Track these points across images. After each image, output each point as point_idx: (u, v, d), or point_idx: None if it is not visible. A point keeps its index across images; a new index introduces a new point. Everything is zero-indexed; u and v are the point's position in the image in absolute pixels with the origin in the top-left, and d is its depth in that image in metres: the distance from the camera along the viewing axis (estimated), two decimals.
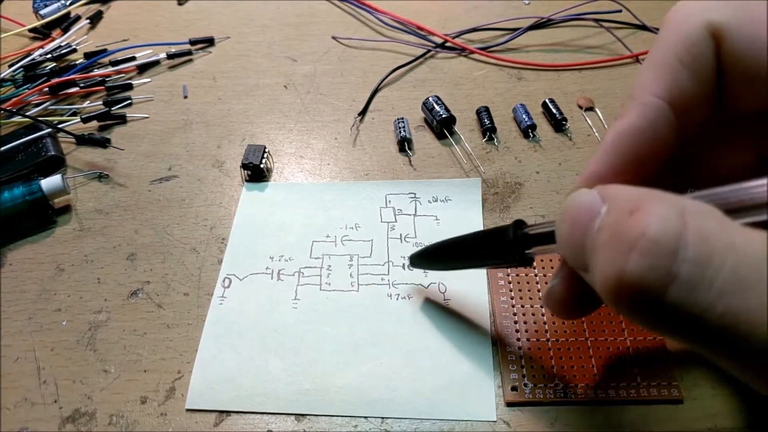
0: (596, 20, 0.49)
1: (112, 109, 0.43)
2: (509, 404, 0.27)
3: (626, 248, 0.16)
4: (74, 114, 0.43)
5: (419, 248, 0.31)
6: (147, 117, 0.44)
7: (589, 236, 0.18)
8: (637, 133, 0.21)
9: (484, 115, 0.41)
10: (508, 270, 0.32)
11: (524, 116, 0.40)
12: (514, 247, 0.24)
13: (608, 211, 0.17)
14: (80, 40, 0.50)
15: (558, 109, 0.41)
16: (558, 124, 0.40)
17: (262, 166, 0.38)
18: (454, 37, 0.48)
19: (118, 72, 0.47)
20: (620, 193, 0.18)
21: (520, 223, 0.24)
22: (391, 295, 0.32)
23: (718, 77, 0.21)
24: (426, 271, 0.32)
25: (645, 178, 0.21)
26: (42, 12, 0.51)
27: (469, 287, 0.32)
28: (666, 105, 0.21)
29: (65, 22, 0.52)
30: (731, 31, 0.20)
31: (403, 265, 0.33)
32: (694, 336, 0.16)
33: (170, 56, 0.48)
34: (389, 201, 0.37)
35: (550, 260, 0.32)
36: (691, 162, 0.24)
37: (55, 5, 0.52)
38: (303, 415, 0.28)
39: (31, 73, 0.45)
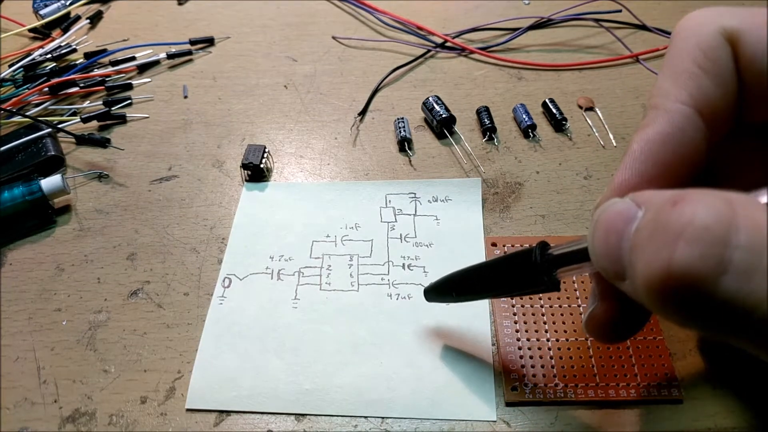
0: (596, 20, 0.49)
1: (112, 109, 0.43)
2: (509, 404, 0.27)
3: (672, 238, 0.15)
4: (74, 114, 0.43)
5: (433, 282, 0.29)
6: (147, 117, 0.44)
7: (626, 241, 0.17)
8: (667, 140, 0.20)
9: (484, 115, 0.41)
10: None
11: (524, 116, 0.40)
12: (542, 272, 0.22)
13: (646, 211, 0.17)
14: (80, 40, 0.50)
15: (558, 109, 0.41)
16: (558, 124, 0.40)
17: (262, 166, 0.38)
18: (454, 37, 0.48)
19: (118, 72, 0.47)
20: (657, 194, 0.17)
21: (545, 245, 0.23)
22: (391, 295, 0.32)
23: (738, 83, 0.21)
24: (438, 302, 0.30)
25: (676, 188, 0.21)
26: (42, 12, 0.51)
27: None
28: (693, 111, 0.20)
29: (65, 22, 0.52)
30: (746, 35, 0.20)
31: (403, 265, 0.33)
32: (746, 331, 0.15)
33: (170, 56, 0.48)
34: (389, 201, 0.37)
35: None
36: (704, 173, 0.23)
37: (55, 5, 0.52)
38: (303, 415, 0.28)
39: (31, 73, 0.45)
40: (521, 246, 0.33)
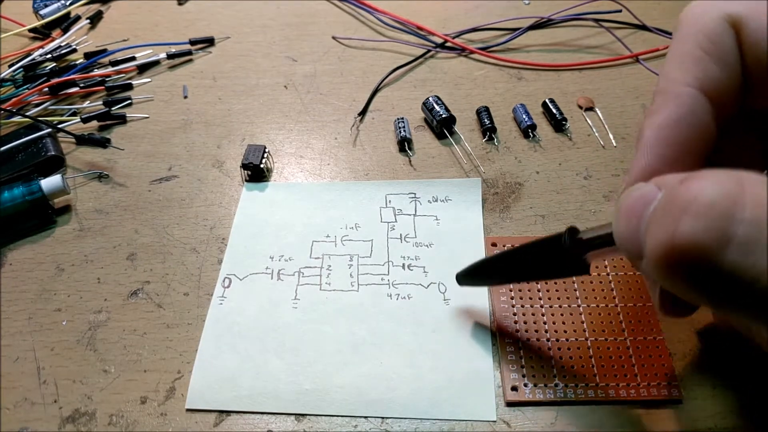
0: (596, 20, 0.49)
1: (112, 109, 0.43)
2: (509, 404, 0.27)
3: (678, 212, 0.15)
4: (74, 114, 0.43)
5: (465, 267, 0.30)
6: (147, 117, 0.44)
7: (644, 221, 0.17)
8: (679, 122, 0.21)
9: (484, 115, 0.41)
10: None
11: (524, 116, 0.40)
12: (572, 255, 0.23)
13: (663, 194, 0.17)
14: (80, 40, 0.50)
15: (558, 109, 0.41)
16: (558, 124, 0.40)
17: (262, 166, 0.38)
18: (454, 37, 0.48)
19: (118, 72, 0.47)
20: (675, 176, 0.17)
21: (574, 230, 0.23)
22: (391, 295, 0.32)
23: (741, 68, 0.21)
24: (471, 285, 0.31)
25: (693, 169, 0.21)
26: (42, 12, 0.51)
27: (470, 287, 0.32)
28: (700, 93, 0.21)
29: (65, 22, 0.52)
30: (749, 21, 0.20)
31: (403, 265, 0.33)
32: (748, 303, 0.15)
33: (170, 56, 0.48)
34: (389, 201, 0.37)
35: None
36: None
37: (55, 5, 0.52)
38: (303, 415, 0.28)
39: (31, 73, 0.45)
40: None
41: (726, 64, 0.21)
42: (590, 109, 0.42)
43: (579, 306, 0.30)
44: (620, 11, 0.49)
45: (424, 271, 0.33)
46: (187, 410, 0.28)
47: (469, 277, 0.30)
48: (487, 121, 0.40)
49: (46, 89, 0.44)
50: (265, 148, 0.39)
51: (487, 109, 0.41)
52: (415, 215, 0.36)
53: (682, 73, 0.21)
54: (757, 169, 0.21)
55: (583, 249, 0.22)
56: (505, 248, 0.33)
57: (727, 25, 0.21)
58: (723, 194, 0.15)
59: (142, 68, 0.48)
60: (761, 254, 0.14)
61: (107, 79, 0.46)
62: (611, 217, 0.20)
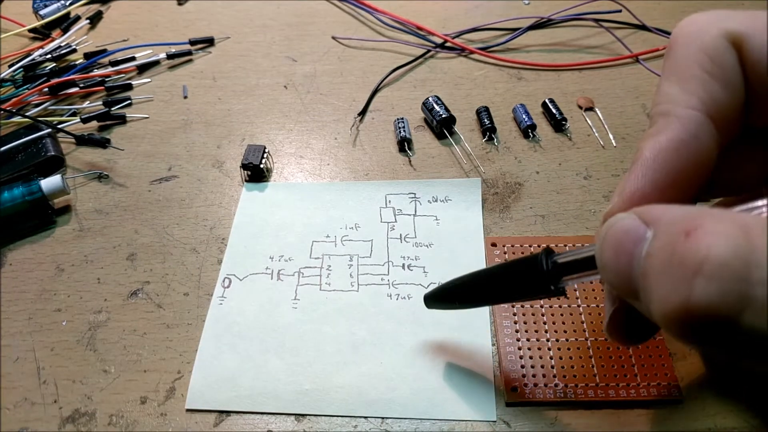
0: (596, 20, 0.49)
1: (112, 109, 0.43)
2: (509, 404, 0.27)
3: (689, 273, 0.14)
4: (74, 114, 0.43)
5: (434, 288, 0.28)
6: (147, 117, 0.44)
7: (636, 263, 0.17)
8: (681, 148, 0.20)
9: (484, 115, 0.41)
10: None
11: (524, 116, 0.40)
12: (549, 279, 0.22)
13: (656, 235, 0.16)
14: (80, 40, 0.50)
15: (558, 109, 0.41)
16: (558, 124, 0.40)
17: (262, 166, 0.38)
18: (454, 37, 0.48)
19: (118, 72, 0.47)
20: (666, 214, 0.17)
21: (550, 251, 0.22)
22: (391, 295, 0.32)
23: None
24: (440, 308, 0.29)
25: (687, 196, 0.21)
26: (42, 12, 0.51)
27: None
28: (704, 117, 0.20)
29: (65, 23, 0.52)
30: (750, 39, 0.20)
31: (403, 265, 0.33)
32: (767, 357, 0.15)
33: (170, 56, 0.48)
34: (389, 201, 0.37)
35: None
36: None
37: (55, 5, 0.52)
38: (303, 415, 0.28)
39: (31, 73, 0.45)
40: (521, 246, 0.33)
41: (730, 86, 0.20)
42: (590, 109, 0.42)
43: (579, 306, 0.30)
44: (620, 11, 0.49)
45: (424, 271, 0.33)
46: (187, 410, 0.28)
47: (437, 299, 0.28)
48: (487, 121, 0.40)
49: (46, 89, 0.44)
50: (265, 148, 0.39)
51: (487, 109, 0.41)
52: (415, 215, 0.36)
53: (685, 94, 0.20)
54: (759, 185, 0.21)
55: (560, 273, 0.22)
56: (505, 248, 0.33)
57: (727, 43, 0.20)
58: (734, 252, 0.14)
59: (142, 68, 0.48)
60: None
61: (107, 80, 0.46)
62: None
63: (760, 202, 0.17)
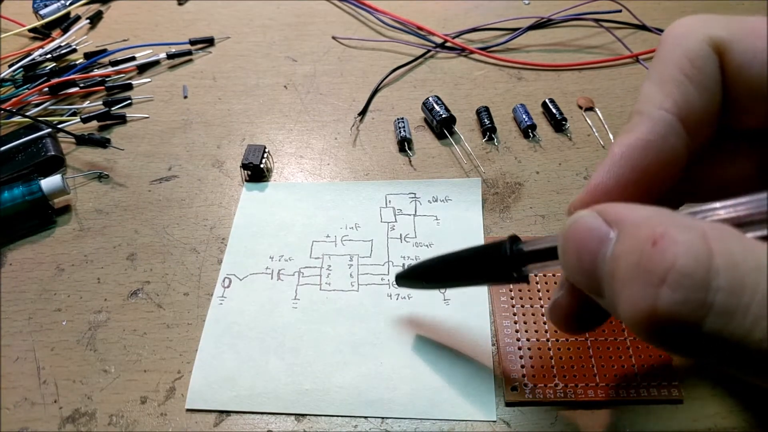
0: (596, 20, 0.49)
1: (112, 109, 0.43)
2: (509, 404, 0.27)
3: (656, 281, 0.15)
4: (74, 114, 0.43)
5: (405, 268, 0.29)
6: (147, 117, 0.44)
7: (600, 262, 0.17)
8: (647, 147, 0.20)
9: (484, 115, 0.41)
10: None
11: (524, 116, 0.40)
12: (511, 265, 0.23)
13: (622, 238, 0.17)
14: (80, 40, 0.50)
15: (558, 109, 0.41)
16: (558, 124, 0.40)
17: (262, 166, 0.38)
18: (454, 37, 0.48)
19: (118, 72, 0.47)
20: (629, 216, 0.17)
21: (515, 239, 0.23)
22: (391, 295, 0.32)
23: (723, 92, 0.21)
24: (408, 287, 0.30)
25: (652, 195, 0.21)
26: (42, 12, 0.51)
27: (469, 288, 0.32)
28: (675, 119, 0.20)
29: (65, 22, 0.52)
30: (733, 44, 0.20)
31: (403, 265, 0.33)
32: (731, 361, 0.15)
33: (170, 56, 0.48)
34: (389, 201, 0.37)
35: None
36: (686, 172, 0.23)
37: (55, 5, 0.52)
38: (303, 415, 0.28)
39: (31, 73, 0.45)
40: None
41: (706, 90, 0.21)
42: (590, 109, 0.42)
43: None
44: (620, 11, 0.49)
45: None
46: (187, 410, 0.28)
47: (407, 278, 0.29)
48: (487, 121, 0.40)
49: (46, 89, 0.44)
50: (265, 148, 0.39)
51: (487, 109, 0.41)
52: (415, 215, 0.36)
53: (660, 95, 0.21)
54: (750, 182, 0.21)
55: (523, 260, 0.22)
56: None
57: (709, 48, 0.20)
58: (696, 262, 0.15)
59: (142, 68, 0.48)
60: (740, 320, 0.14)
61: (107, 79, 0.46)
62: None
63: (715, 204, 0.17)
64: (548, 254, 0.21)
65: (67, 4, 0.53)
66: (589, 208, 0.19)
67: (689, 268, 0.15)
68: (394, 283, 0.30)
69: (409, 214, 0.36)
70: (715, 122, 0.21)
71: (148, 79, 0.47)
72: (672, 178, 0.21)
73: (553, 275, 0.32)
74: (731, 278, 0.15)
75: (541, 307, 0.30)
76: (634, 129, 0.21)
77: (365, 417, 0.28)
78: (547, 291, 0.31)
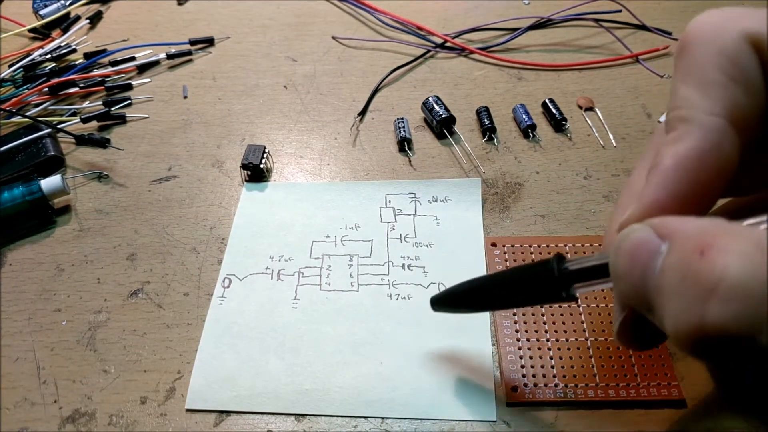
0: (596, 20, 0.49)
1: (112, 109, 0.43)
2: (509, 404, 0.27)
3: (704, 294, 0.14)
4: (74, 114, 0.43)
5: (441, 292, 0.28)
6: (147, 117, 0.44)
7: (651, 277, 0.17)
8: (703, 157, 0.19)
9: (484, 115, 0.41)
10: None
11: (524, 116, 0.40)
12: (560, 285, 0.22)
13: (671, 250, 0.16)
14: (80, 40, 0.50)
15: (558, 109, 0.41)
16: (558, 124, 0.40)
17: (262, 166, 0.38)
18: (454, 37, 0.48)
19: (118, 72, 0.47)
20: (680, 229, 0.16)
21: (561, 257, 0.22)
22: (391, 295, 0.32)
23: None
24: (447, 312, 0.28)
25: (708, 205, 0.20)
26: (42, 12, 0.51)
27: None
28: (727, 124, 0.19)
29: (65, 23, 0.52)
30: None
31: (403, 265, 0.33)
32: None
33: (170, 56, 0.48)
34: (389, 201, 0.37)
35: (548, 252, 0.32)
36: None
37: (55, 5, 0.52)
38: (303, 415, 0.28)
39: (31, 73, 0.45)
40: (521, 246, 0.33)
41: (752, 90, 0.19)
42: (590, 109, 0.42)
43: (579, 306, 0.30)
44: (620, 11, 0.49)
45: (424, 271, 0.33)
46: (187, 410, 0.28)
47: (445, 303, 0.28)
48: (487, 121, 0.40)
49: (46, 89, 0.44)
50: (264, 148, 0.39)
51: (487, 109, 0.41)
52: (415, 215, 0.36)
53: (706, 100, 0.19)
54: None
55: (571, 279, 0.21)
56: (505, 248, 0.33)
57: (747, 45, 0.19)
58: (751, 273, 0.14)
59: (142, 68, 0.48)
60: None
61: (107, 80, 0.46)
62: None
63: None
64: (596, 272, 0.20)
65: (67, 4, 0.53)
66: (642, 222, 0.18)
67: (742, 278, 0.14)
68: (430, 307, 0.28)
69: (409, 214, 0.36)
70: (761, 123, 0.20)
71: (148, 79, 0.47)
72: (725, 185, 0.20)
73: None
74: None
75: (541, 307, 0.30)
76: (684, 138, 0.19)
77: (365, 417, 0.28)
78: None
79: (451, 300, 0.28)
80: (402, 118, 0.41)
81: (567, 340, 0.29)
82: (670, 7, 0.51)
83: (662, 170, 0.19)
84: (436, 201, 0.36)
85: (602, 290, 0.31)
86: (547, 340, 0.29)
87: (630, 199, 0.21)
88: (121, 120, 0.43)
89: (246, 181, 0.39)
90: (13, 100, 0.43)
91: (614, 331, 0.23)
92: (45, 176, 0.36)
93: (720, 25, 0.20)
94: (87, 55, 0.47)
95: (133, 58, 0.48)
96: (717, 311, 0.14)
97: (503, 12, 0.51)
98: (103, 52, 0.48)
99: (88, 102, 0.45)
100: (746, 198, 0.23)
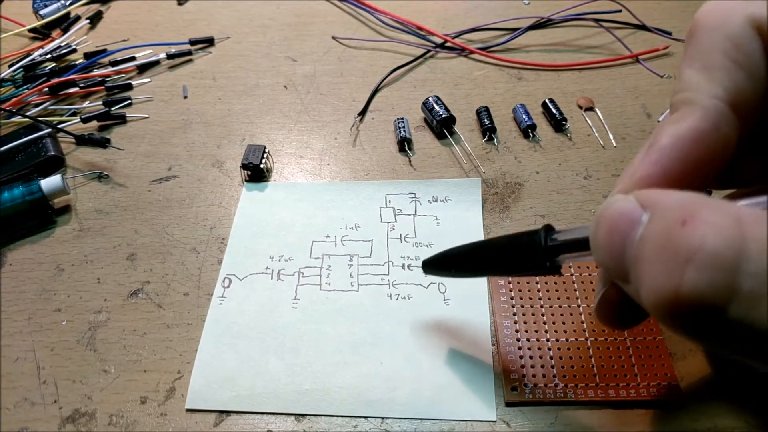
0: (596, 20, 0.49)
1: (112, 109, 0.43)
2: (509, 404, 0.27)
3: (681, 261, 0.15)
4: (74, 114, 0.43)
5: (433, 255, 0.28)
6: (147, 117, 0.44)
7: (629, 246, 0.17)
8: (700, 137, 0.19)
9: (484, 115, 0.41)
10: None
11: (524, 116, 0.40)
12: (546, 255, 0.22)
13: (652, 220, 0.16)
14: (80, 40, 0.50)
15: (558, 109, 0.41)
16: (558, 124, 0.40)
17: (262, 166, 0.38)
18: (454, 37, 0.48)
19: (118, 72, 0.47)
20: (663, 200, 0.17)
21: (549, 228, 0.22)
22: (391, 295, 0.32)
23: None
24: (438, 277, 0.29)
25: (699, 186, 0.20)
26: (42, 12, 0.51)
27: (469, 287, 0.32)
28: (727, 107, 0.19)
29: (65, 23, 0.52)
30: None
31: (403, 265, 0.33)
32: (752, 351, 0.15)
33: (170, 56, 0.48)
34: (389, 201, 0.37)
35: None
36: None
37: (55, 5, 0.52)
38: (303, 415, 0.28)
39: (31, 73, 0.45)
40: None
41: (754, 75, 0.20)
42: (590, 109, 0.42)
43: (579, 306, 0.30)
44: (620, 11, 0.49)
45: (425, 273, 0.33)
46: (187, 410, 0.28)
47: (435, 266, 0.28)
48: (487, 121, 0.40)
49: (46, 89, 0.44)
50: (264, 148, 0.39)
51: (487, 109, 0.41)
52: (415, 215, 0.36)
53: (709, 83, 0.20)
54: None
55: (558, 251, 0.22)
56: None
57: (751, 30, 0.19)
58: (726, 244, 0.14)
59: (142, 68, 0.48)
60: (765, 307, 0.14)
61: (107, 79, 0.46)
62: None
63: (762, 198, 0.16)
64: (583, 244, 0.21)
65: (67, 4, 0.53)
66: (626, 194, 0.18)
67: (718, 249, 0.14)
68: (421, 269, 0.29)
69: (409, 214, 0.36)
70: (761, 108, 0.20)
71: (148, 79, 0.47)
72: (720, 168, 0.20)
73: (555, 278, 0.32)
74: (762, 264, 0.14)
75: (541, 307, 0.30)
76: (684, 119, 0.20)
77: (365, 417, 0.28)
78: (547, 291, 0.31)
79: (441, 263, 0.28)
80: (402, 118, 0.41)
81: (567, 340, 0.29)
82: (670, 7, 0.51)
83: (658, 148, 0.20)
84: (436, 201, 0.36)
85: (593, 284, 0.31)
86: (547, 340, 0.29)
87: (623, 179, 0.21)
88: (121, 120, 0.43)
89: (246, 181, 0.39)
90: (13, 100, 0.43)
91: (593, 307, 0.23)
92: (45, 176, 0.36)
93: (726, 10, 0.20)
94: (87, 55, 0.47)
95: (133, 58, 0.48)
96: (693, 278, 0.15)
97: (503, 12, 0.51)
98: (103, 52, 0.48)
99: (88, 102, 0.45)
100: (746, 190, 0.23)
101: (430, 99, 0.41)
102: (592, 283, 0.31)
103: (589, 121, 0.41)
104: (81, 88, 0.45)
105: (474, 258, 0.27)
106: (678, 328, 0.16)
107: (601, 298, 0.22)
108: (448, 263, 0.28)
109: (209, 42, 0.50)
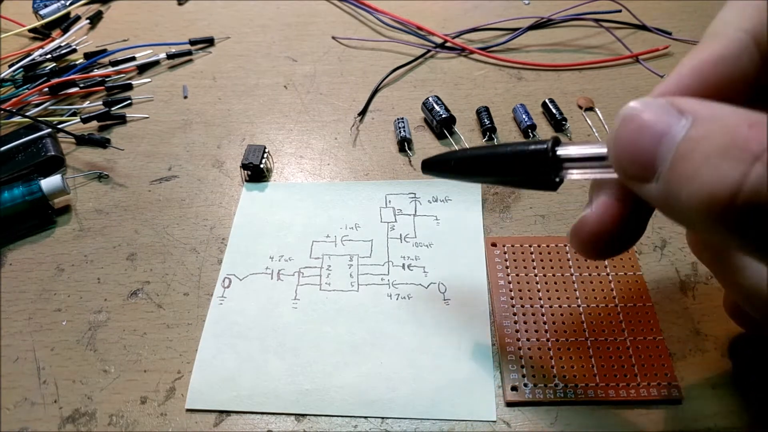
0: (596, 20, 0.49)
1: (112, 109, 0.43)
2: (509, 404, 0.27)
3: (749, 159, 0.14)
4: (74, 114, 0.43)
5: (437, 154, 0.28)
6: (147, 117, 0.44)
7: (666, 144, 0.17)
8: (720, 63, 0.20)
9: (484, 115, 0.41)
10: (508, 270, 0.32)
11: (524, 116, 0.40)
12: (551, 167, 0.21)
13: (699, 124, 0.16)
14: (80, 40, 0.50)
15: (558, 109, 0.41)
16: (558, 124, 0.40)
17: (262, 166, 0.38)
18: (454, 37, 0.48)
19: (118, 72, 0.47)
20: (706, 108, 0.17)
21: (557, 140, 0.22)
22: (391, 295, 0.32)
23: None
24: (436, 176, 0.29)
25: None
26: (42, 12, 0.51)
27: (470, 287, 0.32)
28: (750, 40, 0.20)
29: (65, 23, 0.52)
30: None
31: (403, 265, 0.33)
32: None
33: (170, 56, 0.48)
34: (389, 201, 0.37)
35: (548, 252, 0.32)
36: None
37: (55, 5, 0.52)
38: (303, 415, 0.28)
39: (31, 73, 0.45)
40: (521, 246, 0.33)
41: None
42: (590, 109, 0.42)
43: (579, 306, 0.30)
44: (620, 11, 0.49)
45: (424, 271, 0.33)
46: (187, 410, 0.28)
47: (436, 165, 0.28)
48: (487, 121, 0.40)
49: (46, 89, 0.44)
50: (265, 148, 0.39)
51: (487, 109, 0.41)
52: (415, 215, 0.36)
53: (738, 18, 0.20)
54: None
55: (563, 162, 0.21)
56: (505, 248, 0.33)
57: None
58: None
59: (142, 68, 0.48)
60: None
61: (107, 79, 0.46)
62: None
63: None
64: (593, 158, 0.20)
65: (67, 4, 0.53)
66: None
67: None
68: (421, 170, 0.28)
69: (409, 214, 0.36)
70: None
71: (148, 79, 0.47)
72: (737, 102, 0.20)
73: (553, 276, 0.32)
74: None
75: (541, 307, 0.30)
76: (706, 47, 0.20)
77: (365, 417, 0.28)
78: (547, 291, 0.31)
79: (442, 164, 0.27)
80: (402, 118, 0.41)
81: (567, 340, 0.29)
82: (670, 7, 0.51)
83: (677, 72, 0.20)
84: (436, 201, 0.36)
85: (592, 284, 0.31)
86: (547, 340, 0.29)
87: None
88: (121, 120, 0.43)
89: (246, 181, 0.39)
90: (13, 100, 0.43)
91: (571, 229, 0.23)
92: (45, 176, 0.36)
93: None
94: (87, 55, 0.47)
95: (133, 58, 0.48)
96: (757, 175, 0.14)
97: (503, 12, 0.51)
98: (103, 52, 0.48)
99: (88, 102, 0.45)
100: None
101: (430, 99, 0.41)
102: (592, 283, 0.31)
103: (589, 121, 0.41)
104: (81, 88, 0.45)
105: (477, 162, 0.26)
106: (721, 227, 0.16)
107: (581, 219, 0.22)
108: (450, 165, 0.27)
109: (209, 42, 0.50)
